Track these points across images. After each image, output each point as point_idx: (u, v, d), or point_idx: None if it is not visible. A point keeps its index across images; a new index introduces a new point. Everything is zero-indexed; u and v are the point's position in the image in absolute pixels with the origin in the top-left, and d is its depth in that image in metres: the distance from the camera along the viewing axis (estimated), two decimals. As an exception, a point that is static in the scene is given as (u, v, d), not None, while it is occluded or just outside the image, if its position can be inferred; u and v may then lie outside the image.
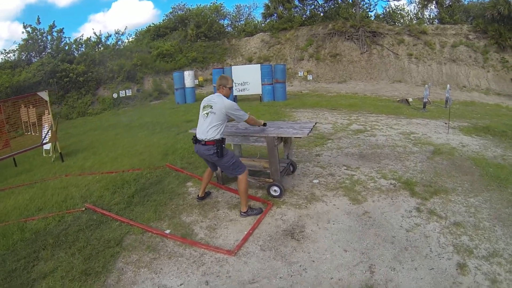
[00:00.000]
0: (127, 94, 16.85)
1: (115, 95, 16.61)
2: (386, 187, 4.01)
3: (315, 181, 4.28)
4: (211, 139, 3.23)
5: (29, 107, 7.66)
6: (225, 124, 3.38)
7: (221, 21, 25.55)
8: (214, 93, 3.60)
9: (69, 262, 2.85)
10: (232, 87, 3.50)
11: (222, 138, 3.30)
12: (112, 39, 22.36)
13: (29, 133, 8.16)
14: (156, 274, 2.67)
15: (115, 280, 2.62)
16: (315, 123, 4.37)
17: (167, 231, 3.27)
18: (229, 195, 4.03)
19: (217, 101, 3.30)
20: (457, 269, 2.51)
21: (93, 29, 55.30)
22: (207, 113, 3.28)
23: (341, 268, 2.59)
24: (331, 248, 2.85)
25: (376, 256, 2.71)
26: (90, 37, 20.78)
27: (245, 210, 3.45)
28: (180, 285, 2.53)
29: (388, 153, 5.37)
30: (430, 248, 2.78)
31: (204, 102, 3.42)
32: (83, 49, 19.99)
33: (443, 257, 2.66)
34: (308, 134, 3.70)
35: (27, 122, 8.08)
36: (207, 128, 3.25)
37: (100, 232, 3.34)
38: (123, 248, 3.04)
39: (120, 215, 3.64)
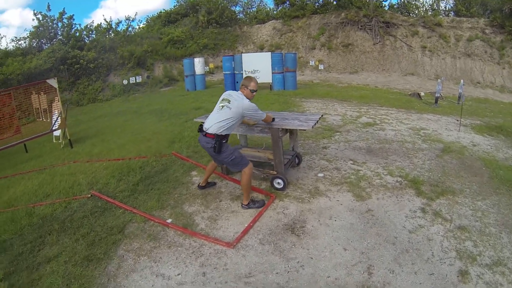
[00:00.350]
0: (137, 81, 16.88)
1: (125, 82, 16.65)
2: (391, 185, 3.94)
3: (320, 174, 4.24)
4: (213, 132, 3.19)
5: (40, 94, 7.76)
6: (236, 123, 3.32)
7: (233, 8, 25.20)
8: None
9: (72, 248, 2.92)
10: (255, 90, 3.41)
11: (225, 134, 3.26)
12: (123, 25, 22.40)
13: (41, 119, 8.30)
14: (155, 262, 2.71)
15: (115, 267, 2.68)
16: (322, 115, 4.30)
17: (169, 221, 3.31)
18: (232, 186, 4.03)
19: (236, 98, 3.28)
20: (458, 276, 2.45)
21: (103, 16, 55.55)
22: (223, 106, 3.27)
23: (339, 267, 2.57)
24: (330, 245, 2.83)
25: (376, 256, 2.67)
26: (101, 23, 20.87)
27: (246, 203, 3.45)
28: (178, 274, 2.56)
29: (396, 149, 5.27)
30: (432, 252, 2.72)
31: (223, 95, 3.41)
32: (94, 35, 20.01)
33: (444, 263, 2.60)
34: (313, 127, 3.64)
35: (38, 108, 8.21)
36: (215, 120, 3.22)
37: (104, 219, 3.40)
38: (125, 236, 3.09)
39: (124, 203, 3.69)
